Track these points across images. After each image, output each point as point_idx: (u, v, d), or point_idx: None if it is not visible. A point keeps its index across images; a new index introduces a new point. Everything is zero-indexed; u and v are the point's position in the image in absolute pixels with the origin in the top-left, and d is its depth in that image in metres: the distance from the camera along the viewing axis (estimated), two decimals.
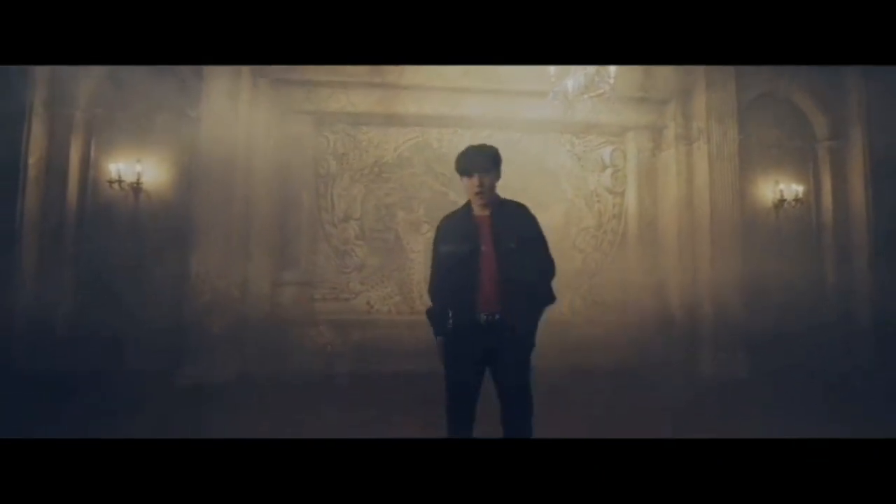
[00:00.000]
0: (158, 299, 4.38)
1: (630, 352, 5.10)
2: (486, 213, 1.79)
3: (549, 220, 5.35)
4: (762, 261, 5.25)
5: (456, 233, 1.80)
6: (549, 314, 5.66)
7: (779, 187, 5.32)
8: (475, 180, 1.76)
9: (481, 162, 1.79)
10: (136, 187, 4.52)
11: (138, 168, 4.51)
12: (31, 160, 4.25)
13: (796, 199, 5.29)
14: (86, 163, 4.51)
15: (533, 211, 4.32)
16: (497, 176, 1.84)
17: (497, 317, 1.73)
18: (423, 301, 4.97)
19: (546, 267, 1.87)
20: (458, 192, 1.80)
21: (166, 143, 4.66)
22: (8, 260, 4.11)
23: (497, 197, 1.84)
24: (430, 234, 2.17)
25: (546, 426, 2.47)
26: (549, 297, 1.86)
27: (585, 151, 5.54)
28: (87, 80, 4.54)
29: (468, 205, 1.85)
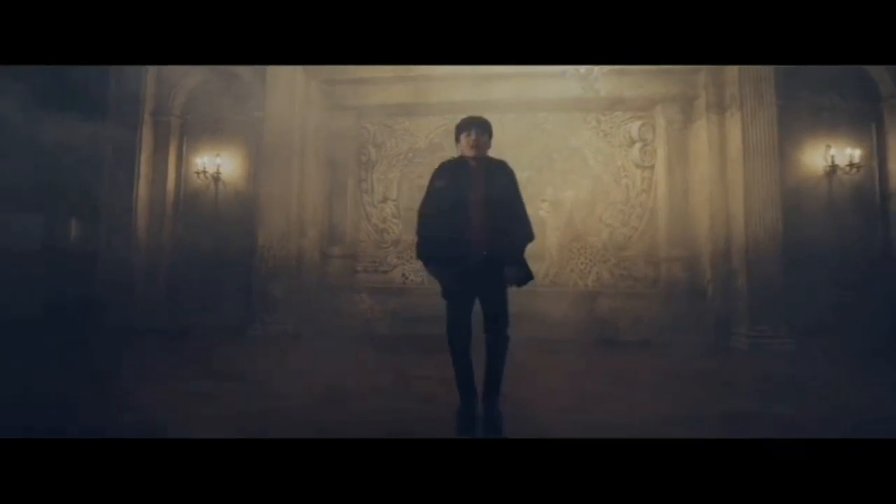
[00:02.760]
0: (233, 266, 5.33)
1: (660, 325, 5.10)
2: (478, 167, 2.15)
3: (574, 196, 5.56)
4: (810, 231, 4.94)
5: (451, 173, 2.15)
6: (573, 288, 5.78)
7: (830, 153, 4.95)
8: (472, 135, 2.12)
9: (477, 122, 2.16)
10: (217, 177, 5.53)
11: (218, 161, 5.52)
12: (143, 157, 5.43)
13: (851, 164, 4.89)
14: (179, 158, 5.63)
15: (559, 187, 4.66)
16: (489, 143, 2.19)
17: (485, 253, 2.05)
18: None
19: (523, 232, 2.14)
20: None
21: (239, 139, 5.63)
22: (126, 235, 5.30)
23: (486, 156, 2.20)
24: None
25: (572, 397, 2.65)
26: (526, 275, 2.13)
27: (612, 128, 5.61)
28: (181, 94, 5.66)
29: (463, 157, 2.21)
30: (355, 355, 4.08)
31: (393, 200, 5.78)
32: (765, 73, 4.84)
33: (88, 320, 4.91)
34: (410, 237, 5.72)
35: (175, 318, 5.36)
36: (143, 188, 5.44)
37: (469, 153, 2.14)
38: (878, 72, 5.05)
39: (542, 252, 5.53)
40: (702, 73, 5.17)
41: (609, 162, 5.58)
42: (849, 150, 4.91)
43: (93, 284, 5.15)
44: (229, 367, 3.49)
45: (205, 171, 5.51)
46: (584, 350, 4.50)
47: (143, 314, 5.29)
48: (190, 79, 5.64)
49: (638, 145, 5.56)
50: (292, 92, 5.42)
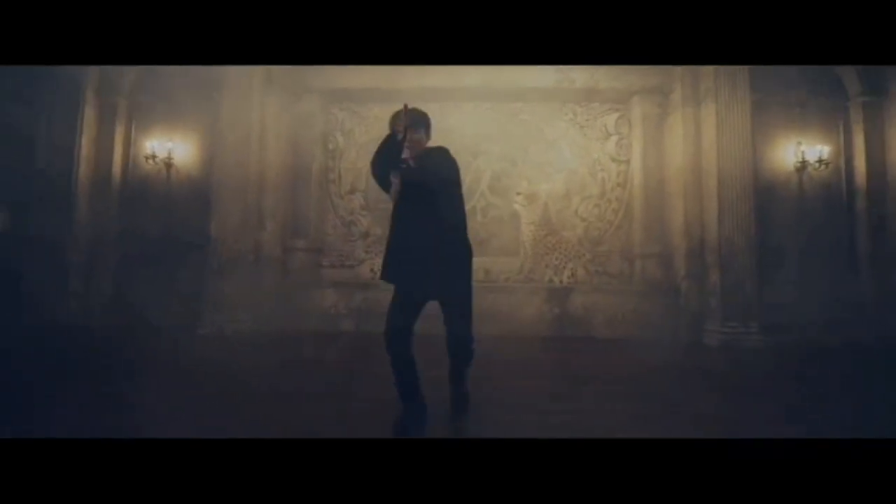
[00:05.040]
0: (185, 260, 4.92)
1: (634, 322, 5.01)
2: (413, 160, 2.00)
3: (550, 189, 5.40)
4: (781, 227, 4.95)
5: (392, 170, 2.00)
6: (548, 284, 5.60)
7: (801, 149, 4.96)
8: (405, 136, 1.95)
9: (411, 121, 1.98)
10: (168, 162, 5.11)
11: (169, 145, 5.10)
12: (84, 140, 4.95)
13: (820, 161, 4.91)
14: (128, 141, 5.17)
15: (534, 181, 4.34)
16: (427, 136, 2.06)
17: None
18: None
19: (458, 221, 2.07)
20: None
21: (193, 123, 5.22)
22: (65, 223, 4.82)
23: (424, 148, 2.05)
24: None
25: (544, 395, 2.48)
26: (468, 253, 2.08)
27: (588, 120, 5.49)
28: (129, 73, 5.21)
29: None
30: (316, 354, 3.78)
31: (361, 191, 5.49)
32: (739, 66, 4.80)
33: (19, 317, 4.41)
34: (379, 230, 5.45)
35: (118, 315, 4.91)
36: (83, 173, 4.97)
37: (406, 152, 1.97)
38: (845, 70, 5.11)
39: (517, 247, 5.36)
40: (678, 66, 5.10)
41: (585, 155, 5.46)
42: (818, 147, 4.93)
43: (23, 278, 4.65)
44: (172, 367, 3.15)
45: (155, 156, 5.08)
46: (557, 346, 4.33)
47: (80, 310, 4.82)
48: None
49: (614, 139, 5.45)
50: (252, 72, 5.05)
